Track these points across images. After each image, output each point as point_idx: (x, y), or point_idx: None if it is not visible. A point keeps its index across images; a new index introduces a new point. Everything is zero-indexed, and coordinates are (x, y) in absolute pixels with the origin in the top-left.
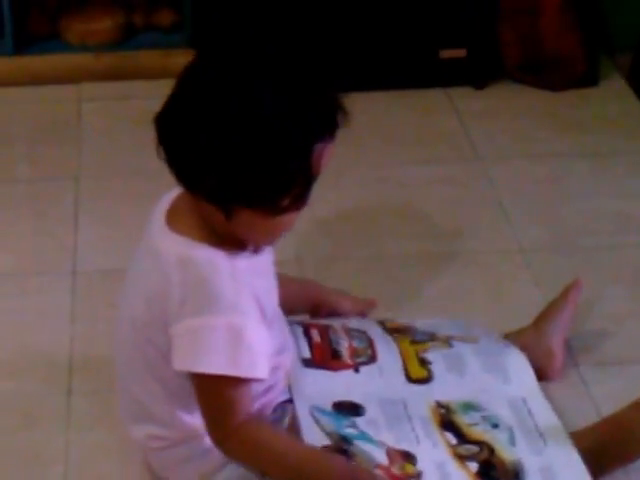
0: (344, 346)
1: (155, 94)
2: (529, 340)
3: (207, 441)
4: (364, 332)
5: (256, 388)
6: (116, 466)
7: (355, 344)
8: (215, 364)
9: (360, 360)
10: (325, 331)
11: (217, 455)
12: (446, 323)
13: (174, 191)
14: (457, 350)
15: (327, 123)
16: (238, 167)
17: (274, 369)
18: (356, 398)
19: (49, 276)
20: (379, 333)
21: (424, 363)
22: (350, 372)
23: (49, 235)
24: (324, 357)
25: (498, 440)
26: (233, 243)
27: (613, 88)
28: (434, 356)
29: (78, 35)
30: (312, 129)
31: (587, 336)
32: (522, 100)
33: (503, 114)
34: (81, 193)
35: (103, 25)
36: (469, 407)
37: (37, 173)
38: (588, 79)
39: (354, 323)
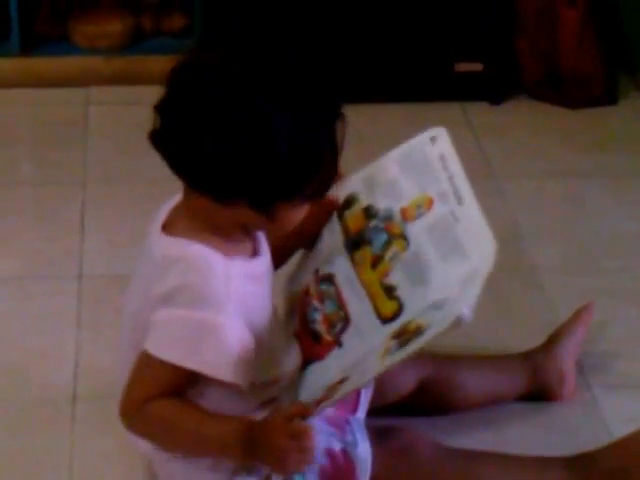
0: (319, 320)
1: None
2: (539, 361)
3: None
4: (332, 276)
5: (251, 402)
6: (120, 473)
7: (327, 310)
8: (174, 353)
9: (337, 329)
10: (304, 306)
11: (226, 465)
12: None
13: (168, 203)
14: (416, 248)
15: (339, 101)
16: (278, 163)
17: (270, 383)
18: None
19: (55, 281)
20: (345, 273)
21: (391, 292)
22: (335, 350)
23: (55, 239)
24: (308, 347)
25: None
26: (235, 241)
27: (633, 107)
28: (397, 276)
29: (86, 38)
30: (334, 108)
31: (600, 357)
32: (539, 117)
33: (519, 131)
34: (87, 198)
35: (112, 28)
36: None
37: (43, 177)
38: (607, 97)
39: (322, 261)
